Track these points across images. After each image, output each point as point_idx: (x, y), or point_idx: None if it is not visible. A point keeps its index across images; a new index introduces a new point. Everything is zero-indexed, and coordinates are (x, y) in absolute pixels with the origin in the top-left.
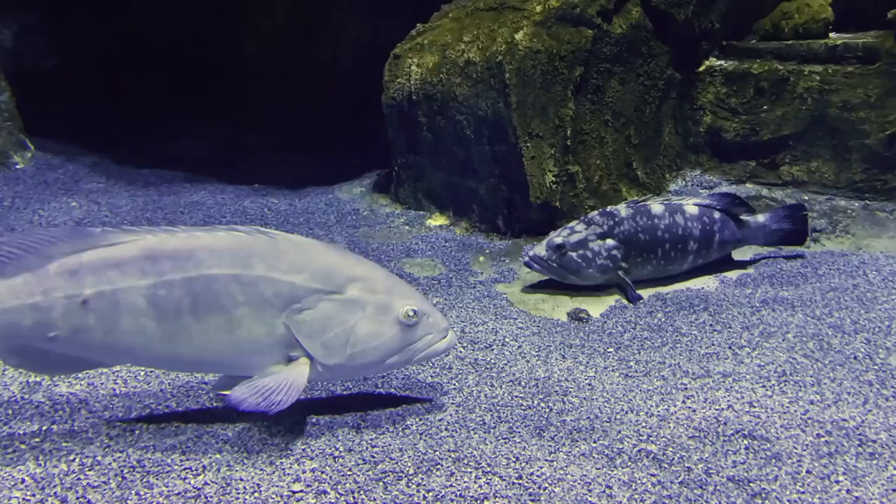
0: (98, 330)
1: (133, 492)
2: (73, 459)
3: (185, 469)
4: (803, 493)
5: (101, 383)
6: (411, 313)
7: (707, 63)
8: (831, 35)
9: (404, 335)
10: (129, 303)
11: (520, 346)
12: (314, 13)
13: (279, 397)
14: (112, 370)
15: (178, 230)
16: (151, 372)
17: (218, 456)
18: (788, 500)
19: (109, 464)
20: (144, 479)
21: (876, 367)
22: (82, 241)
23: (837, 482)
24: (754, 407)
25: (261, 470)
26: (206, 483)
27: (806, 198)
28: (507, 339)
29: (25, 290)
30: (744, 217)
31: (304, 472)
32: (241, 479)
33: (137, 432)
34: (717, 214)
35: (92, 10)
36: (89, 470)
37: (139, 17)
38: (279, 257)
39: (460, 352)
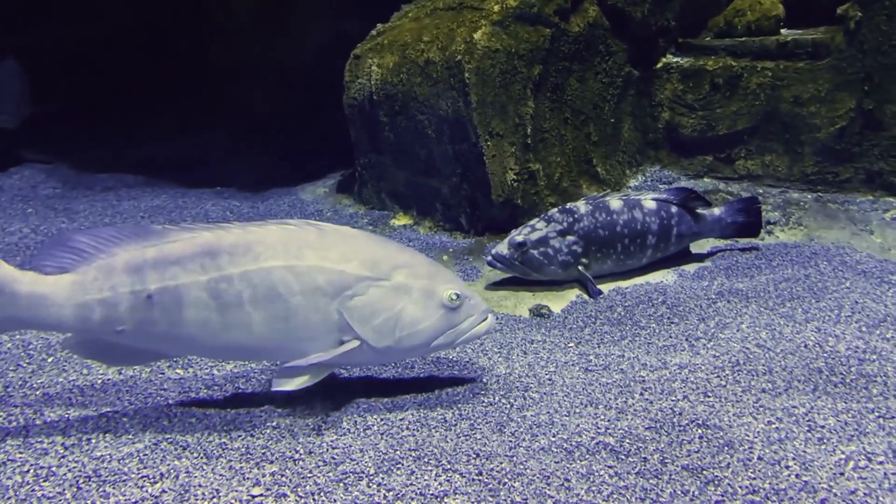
0: (162, 323)
1: (89, 502)
2: (28, 471)
3: (142, 477)
4: (754, 478)
5: (57, 393)
6: (454, 297)
7: (664, 60)
8: (782, 31)
9: (448, 318)
10: (191, 297)
11: (482, 344)
12: (277, 13)
13: (327, 358)
14: (68, 379)
15: (232, 226)
16: (108, 380)
17: (176, 462)
18: (740, 486)
19: (64, 474)
20: (100, 489)
21: (825, 354)
22: (145, 238)
23: (787, 467)
24: (709, 397)
25: (220, 475)
26: (163, 491)
27: (760, 191)
28: None
29: (95, 285)
30: (700, 211)
31: (263, 475)
32: (200, 486)
33: (94, 441)
34: (674, 209)
35: (50, 13)
36: (44, 481)
37: (98, 19)
38: (329, 248)
39: None
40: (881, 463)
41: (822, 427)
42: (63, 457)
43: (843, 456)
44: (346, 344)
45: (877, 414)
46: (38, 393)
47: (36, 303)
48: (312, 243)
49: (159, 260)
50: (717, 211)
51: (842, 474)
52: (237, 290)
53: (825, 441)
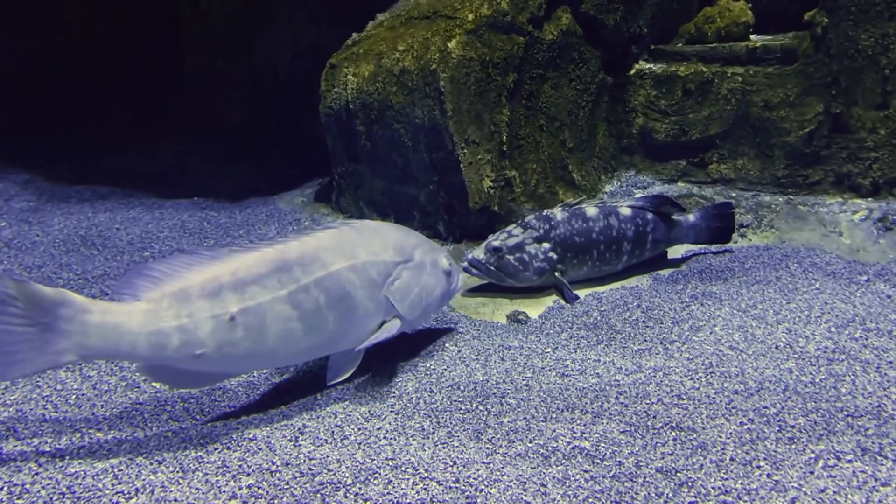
0: (245, 341)
1: None
2: (1, 488)
3: (116, 493)
4: (727, 479)
5: (31, 409)
6: (450, 263)
7: (637, 66)
8: (752, 37)
9: (448, 281)
10: (275, 312)
11: (459, 351)
12: (252, 22)
13: (385, 335)
14: (41, 395)
15: (290, 238)
16: (83, 395)
17: (152, 477)
18: (713, 487)
19: (38, 491)
20: None
21: (796, 355)
22: (215, 262)
23: (759, 467)
24: (682, 399)
25: (196, 489)
26: None
27: (734, 194)
28: (447, 345)
29: (171, 313)
30: (675, 217)
31: (240, 488)
32: (176, 500)
33: (67, 458)
34: (649, 216)
35: (24, 21)
36: (17, 499)
37: (73, 28)
38: (370, 242)
39: (400, 359)
40: (850, 461)
41: (793, 427)
42: (37, 474)
43: (813, 455)
44: (391, 322)
45: (846, 413)
46: (11, 409)
47: (109, 332)
48: (357, 241)
49: (236, 282)
50: (691, 217)
51: (812, 473)
52: (314, 296)
53: (795, 440)
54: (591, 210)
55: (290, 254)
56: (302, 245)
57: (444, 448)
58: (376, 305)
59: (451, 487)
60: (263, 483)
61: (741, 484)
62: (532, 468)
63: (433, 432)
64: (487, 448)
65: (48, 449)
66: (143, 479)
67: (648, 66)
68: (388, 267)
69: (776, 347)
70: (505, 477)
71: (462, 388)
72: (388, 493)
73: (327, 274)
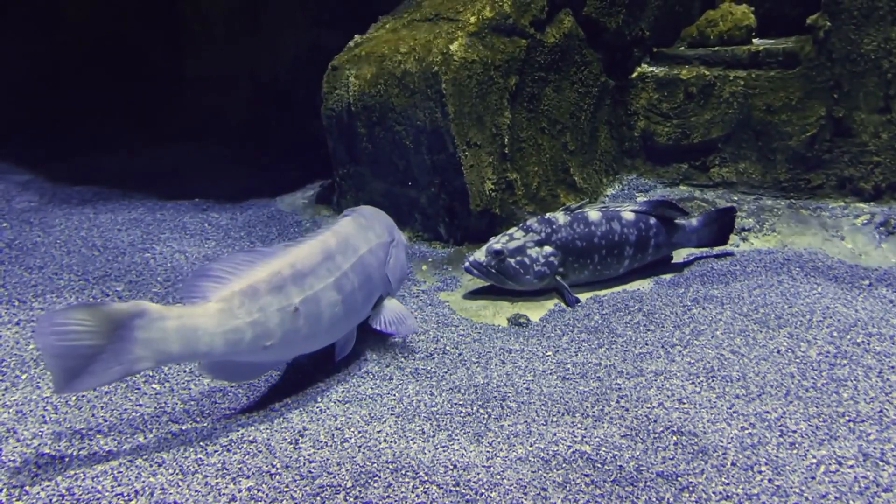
0: (304, 329)
1: None
2: (1, 489)
3: (116, 495)
4: (728, 484)
5: (31, 410)
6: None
7: (639, 69)
8: (754, 41)
9: (406, 257)
10: (327, 299)
11: (460, 354)
12: (253, 24)
13: (410, 323)
14: (41, 396)
15: (324, 230)
16: (82, 397)
17: (152, 479)
18: (714, 493)
19: (37, 493)
20: None
21: (797, 359)
22: (274, 258)
23: (760, 472)
24: (684, 403)
25: (196, 491)
26: None
27: (735, 198)
28: (447, 347)
29: (244, 309)
30: (678, 221)
31: (239, 491)
32: (175, 503)
33: (67, 460)
34: (652, 220)
35: (24, 22)
36: (17, 501)
37: (74, 29)
38: (374, 226)
39: (401, 362)
40: (851, 467)
41: (795, 432)
42: (36, 475)
43: (814, 460)
44: (395, 304)
45: (847, 418)
46: (11, 410)
47: (188, 335)
48: (367, 226)
49: (296, 275)
50: (694, 221)
51: (813, 478)
52: (351, 280)
53: (797, 445)
54: (593, 214)
55: (332, 243)
56: (336, 235)
57: (444, 451)
58: (382, 283)
59: (451, 491)
60: (263, 486)
61: (742, 489)
62: (532, 472)
63: (433, 435)
64: (488, 451)
65: (48, 450)
66: (143, 482)
67: (650, 69)
68: (387, 247)
69: (778, 352)
70: (505, 480)
71: (463, 390)
72: (388, 497)
73: (358, 259)
